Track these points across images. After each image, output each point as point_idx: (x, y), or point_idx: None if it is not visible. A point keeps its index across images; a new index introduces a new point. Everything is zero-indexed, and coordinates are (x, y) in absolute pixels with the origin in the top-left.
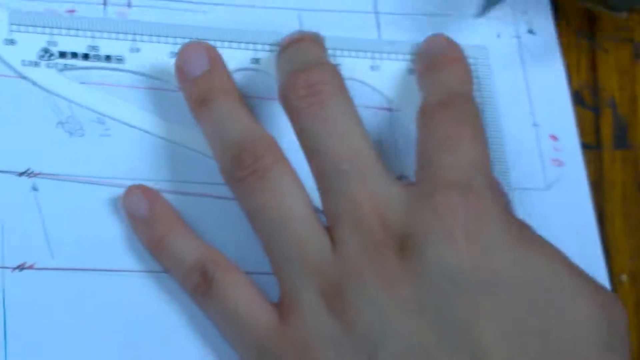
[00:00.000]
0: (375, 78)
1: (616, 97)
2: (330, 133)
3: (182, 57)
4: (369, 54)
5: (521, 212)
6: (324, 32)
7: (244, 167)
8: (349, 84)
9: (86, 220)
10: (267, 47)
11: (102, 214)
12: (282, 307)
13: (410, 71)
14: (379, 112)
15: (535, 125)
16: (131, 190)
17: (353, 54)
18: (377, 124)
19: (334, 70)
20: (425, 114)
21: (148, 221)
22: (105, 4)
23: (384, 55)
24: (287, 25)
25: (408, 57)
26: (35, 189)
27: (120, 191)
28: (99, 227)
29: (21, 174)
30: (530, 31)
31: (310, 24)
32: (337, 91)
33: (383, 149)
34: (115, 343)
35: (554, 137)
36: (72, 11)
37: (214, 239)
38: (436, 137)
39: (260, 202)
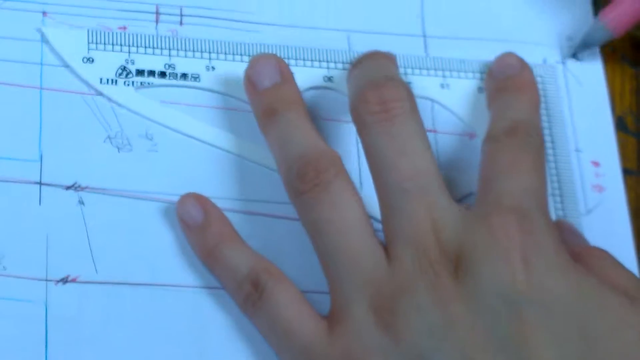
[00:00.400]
0: (446, 96)
1: None
2: (397, 151)
3: (253, 68)
4: (439, 72)
5: None
6: None
7: (306, 181)
8: (421, 102)
9: (131, 234)
10: (339, 65)
11: (147, 228)
12: (332, 318)
13: (481, 89)
14: (454, 136)
15: (577, 150)
16: (185, 198)
17: (424, 72)
18: (452, 147)
19: (407, 88)
20: (491, 140)
21: (202, 229)
22: (157, 21)
23: (454, 74)
24: (336, 46)
25: (478, 75)
26: (81, 202)
27: (165, 206)
28: (143, 242)
29: (68, 188)
30: (575, 56)
31: (359, 45)
32: (408, 109)
33: (450, 171)
34: (157, 358)
35: (596, 163)
36: (123, 28)
37: (266, 256)
38: (498, 164)
39: (319, 214)
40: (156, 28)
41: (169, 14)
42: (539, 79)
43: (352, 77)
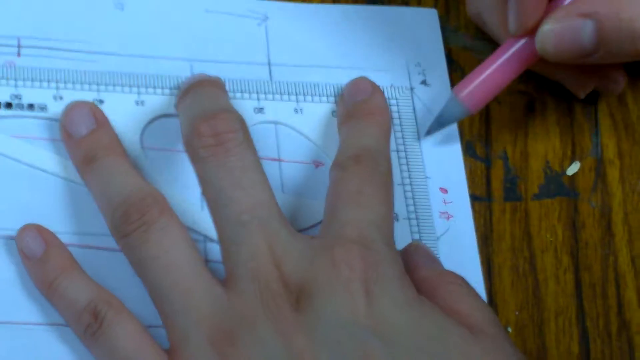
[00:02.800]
0: (299, 121)
1: (508, 149)
2: (233, 184)
3: (68, 117)
4: (292, 97)
5: None
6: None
7: (130, 222)
8: (266, 129)
9: None
10: (150, 90)
11: None
12: (170, 352)
13: (335, 113)
14: (302, 164)
15: (425, 177)
16: (25, 229)
17: (277, 97)
18: (301, 174)
19: (240, 118)
20: (338, 167)
21: (41, 261)
22: None
23: (308, 98)
24: (178, 74)
25: (332, 99)
26: None
27: (2, 242)
28: None
29: None
30: (424, 82)
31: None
32: (242, 140)
33: (299, 199)
34: None
35: (444, 190)
36: None
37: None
38: (344, 192)
39: (146, 254)
40: None
41: (6, 45)
42: (393, 102)
43: (182, 108)
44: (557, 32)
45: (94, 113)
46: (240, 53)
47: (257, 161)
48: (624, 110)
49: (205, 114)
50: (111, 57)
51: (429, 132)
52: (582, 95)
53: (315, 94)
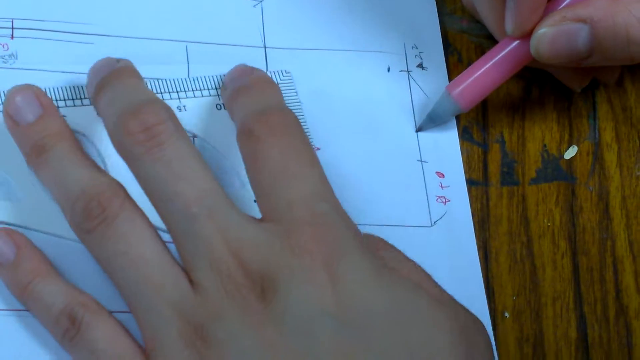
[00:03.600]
0: (184, 119)
1: (505, 133)
2: (174, 176)
3: (12, 103)
4: (173, 95)
5: (406, 250)
6: (210, 65)
7: (92, 218)
8: None
9: None
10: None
11: None
12: (146, 349)
13: (219, 106)
14: None
15: (421, 161)
16: None
17: (160, 96)
18: None
19: (166, 107)
20: (245, 135)
21: (14, 266)
22: None
23: (189, 94)
24: (174, 56)
25: (214, 91)
26: None
27: None
28: None
29: None
30: (421, 65)
31: (198, 56)
32: (173, 129)
33: None
34: None
35: (441, 174)
36: None
37: (82, 281)
38: (271, 167)
39: (111, 250)
40: None
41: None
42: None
43: (102, 106)
44: (552, 36)
45: (39, 97)
46: (235, 34)
47: (193, 149)
48: (621, 94)
49: (130, 109)
50: (106, 39)
51: (420, 129)
52: (578, 90)
53: (196, 88)
